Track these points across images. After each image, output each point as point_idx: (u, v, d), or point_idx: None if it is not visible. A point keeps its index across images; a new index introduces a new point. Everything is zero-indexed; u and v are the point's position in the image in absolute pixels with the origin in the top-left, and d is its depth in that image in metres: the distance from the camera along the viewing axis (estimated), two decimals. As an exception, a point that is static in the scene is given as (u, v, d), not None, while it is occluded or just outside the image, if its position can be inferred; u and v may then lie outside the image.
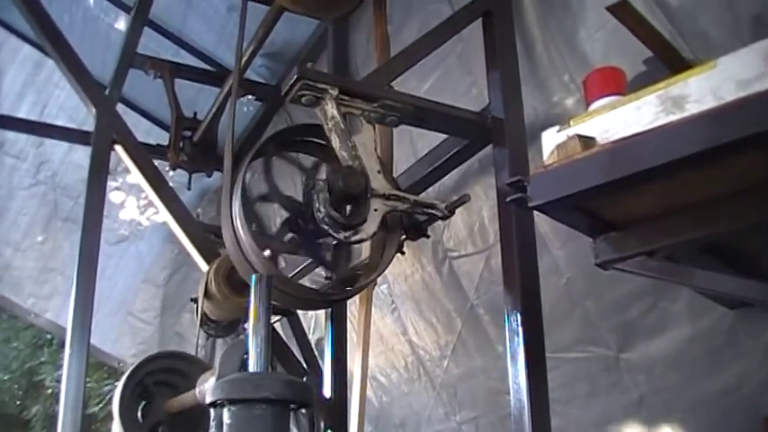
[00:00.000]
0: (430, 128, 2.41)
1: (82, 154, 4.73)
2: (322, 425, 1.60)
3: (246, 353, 1.60)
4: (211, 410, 1.68)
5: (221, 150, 4.24)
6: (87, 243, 3.18)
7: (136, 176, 3.15)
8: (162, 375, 2.35)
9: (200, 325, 2.92)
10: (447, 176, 2.78)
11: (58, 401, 8.62)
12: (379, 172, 2.10)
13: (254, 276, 1.70)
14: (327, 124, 2.08)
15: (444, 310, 3.26)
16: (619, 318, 2.58)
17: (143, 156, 3.13)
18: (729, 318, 2.29)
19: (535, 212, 1.98)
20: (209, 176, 4.34)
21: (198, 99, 4.35)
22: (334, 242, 2.33)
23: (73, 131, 4.45)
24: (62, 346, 8.61)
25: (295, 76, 2.04)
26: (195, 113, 4.05)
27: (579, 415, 2.82)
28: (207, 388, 1.69)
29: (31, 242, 4.85)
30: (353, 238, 2.01)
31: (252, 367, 1.55)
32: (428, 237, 2.38)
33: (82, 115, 4.69)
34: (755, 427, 2.33)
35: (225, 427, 1.49)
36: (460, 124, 2.34)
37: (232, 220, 2.14)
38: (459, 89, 2.83)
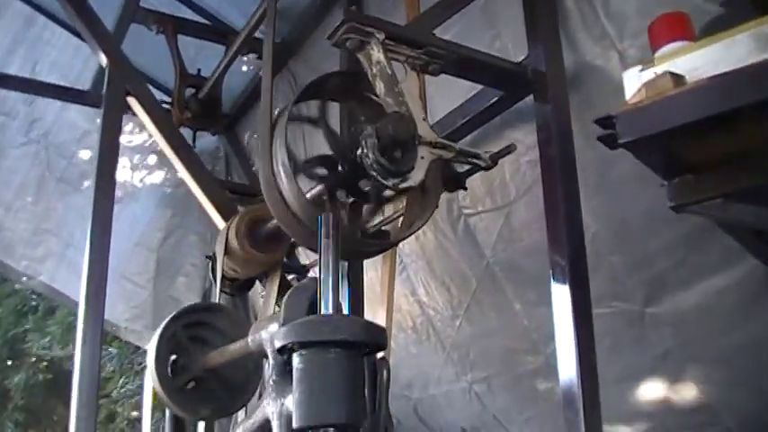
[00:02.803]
0: (469, 78, 2.38)
1: (75, 113, 4.65)
2: (385, 373, 1.55)
3: (315, 296, 1.56)
4: (270, 359, 1.64)
5: (226, 108, 4.18)
6: (101, 206, 3.01)
7: (149, 129, 3.06)
8: (195, 330, 2.29)
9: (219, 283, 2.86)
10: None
11: (41, 370, 8.60)
12: (424, 119, 2.07)
13: (321, 216, 1.66)
14: (372, 69, 2.04)
15: (458, 269, 3.25)
16: (646, 272, 2.60)
17: (158, 108, 3.05)
18: (761, 269, 2.32)
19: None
20: (214, 134, 4.27)
21: (197, 59, 4.26)
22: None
23: (68, 90, 4.37)
24: (49, 312, 8.55)
25: (341, 19, 2.00)
26: (199, 70, 3.96)
27: (601, 371, 2.84)
28: (270, 333, 1.65)
29: (23, 202, 4.73)
30: (402, 186, 1.98)
31: (324, 310, 1.51)
32: (465, 189, 2.37)
33: (74, 73, 4.60)
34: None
35: (296, 373, 1.44)
36: (500, 75, 2.32)
37: (272, 163, 2.07)
38: (481, 42, 2.79)
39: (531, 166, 2.74)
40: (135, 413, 7.72)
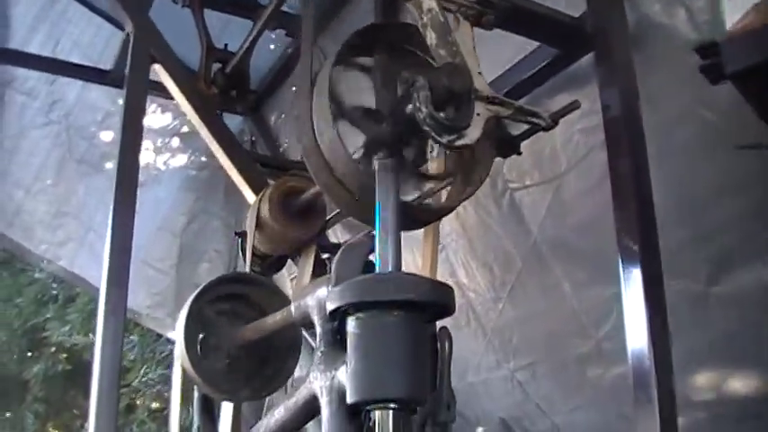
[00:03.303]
0: (524, 33, 2.21)
1: (97, 93, 4.50)
2: (447, 344, 1.36)
3: (371, 253, 1.39)
4: (317, 327, 1.48)
5: (253, 83, 4.01)
6: (124, 186, 2.81)
7: (177, 98, 2.90)
8: (226, 303, 2.11)
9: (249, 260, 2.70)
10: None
11: (60, 361, 8.47)
12: (479, 73, 1.89)
13: (378, 163, 1.49)
14: (422, 18, 1.86)
15: (502, 247, 3.07)
16: (711, 248, 2.41)
17: (185, 75, 2.89)
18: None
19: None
20: (241, 114, 4.10)
21: (222, 36, 4.10)
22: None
23: (90, 69, 4.23)
24: (69, 300, 8.42)
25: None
26: (226, 45, 3.80)
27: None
28: (318, 298, 1.48)
29: (43, 185, 4.58)
30: (458, 143, 1.79)
31: (381, 267, 1.34)
32: (520, 153, 2.18)
33: (96, 53, 4.46)
34: None
35: (350, 340, 1.27)
36: (557, 31, 2.14)
37: (312, 119, 1.89)
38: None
39: (584, 134, 2.56)
40: (156, 404, 7.57)
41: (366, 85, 2.12)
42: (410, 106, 1.78)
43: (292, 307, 1.62)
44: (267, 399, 2.40)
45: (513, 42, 2.46)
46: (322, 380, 1.36)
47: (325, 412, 1.32)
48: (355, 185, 1.79)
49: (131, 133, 2.77)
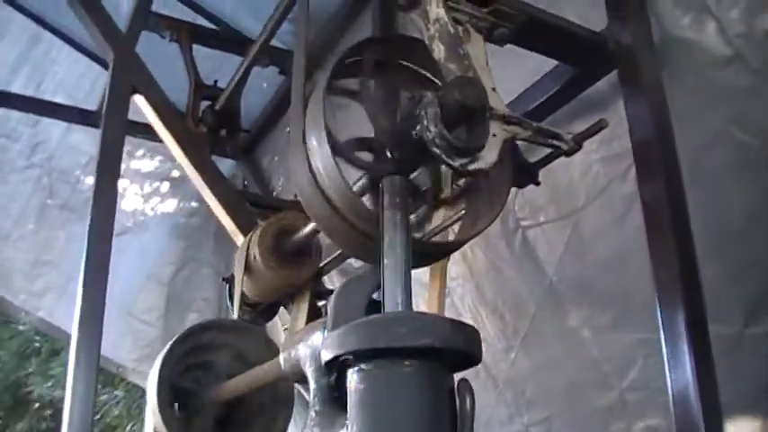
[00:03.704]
0: (540, 49, 2.00)
1: (81, 136, 4.31)
2: (468, 400, 1.10)
3: (374, 291, 1.16)
4: (310, 382, 1.23)
5: (245, 124, 3.80)
6: (97, 230, 2.62)
7: (162, 135, 2.68)
8: (205, 355, 1.86)
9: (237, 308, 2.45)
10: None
11: (45, 417, 8.13)
12: (494, 90, 1.67)
13: (385, 179, 1.26)
14: (429, 30, 1.67)
15: (514, 291, 2.83)
16: (747, 285, 2.18)
17: (169, 106, 2.68)
18: None
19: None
20: (232, 157, 3.90)
21: (211, 75, 3.92)
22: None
23: (73, 109, 4.06)
24: (53, 354, 8.10)
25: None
26: (216, 81, 3.61)
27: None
28: (311, 346, 1.24)
29: (23, 231, 4.36)
30: (472, 167, 1.57)
31: (389, 306, 1.11)
32: (538, 184, 1.96)
33: (82, 94, 4.28)
34: None
35: (353, 398, 1.03)
36: (577, 47, 1.94)
37: (308, 151, 1.67)
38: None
39: (604, 163, 2.35)
40: (143, 464, 7.22)
41: (355, 118, 1.91)
42: (417, 127, 1.57)
43: (281, 357, 1.38)
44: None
45: (524, 65, 2.27)
46: (319, 444, 1.11)
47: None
48: (355, 216, 1.56)
49: (108, 170, 2.57)
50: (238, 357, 1.88)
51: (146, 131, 3.08)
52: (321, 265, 2.44)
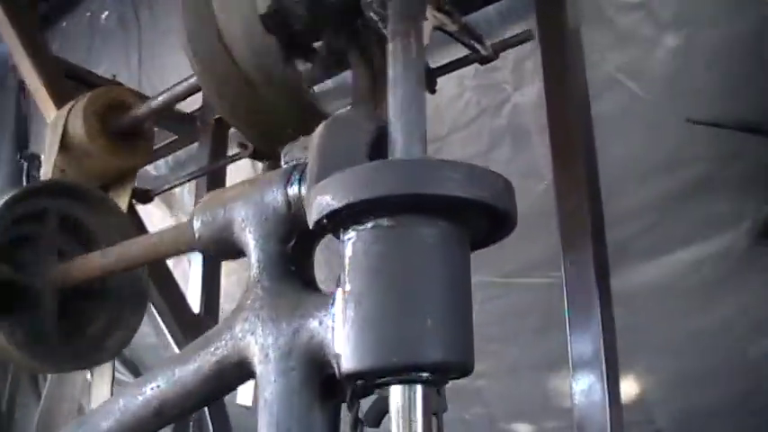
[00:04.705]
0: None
1: None
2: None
3: (381, 129, 0.87)
4: (252, 250, 0.92)
5: None
6: None
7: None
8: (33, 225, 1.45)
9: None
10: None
11: None
12: (428, -28, 1.47)
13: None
14: None
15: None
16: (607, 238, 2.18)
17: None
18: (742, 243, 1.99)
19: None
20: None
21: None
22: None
23: None
24: None
25: None
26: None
27: (518, 356, 2.38)
28: (262, 202, 0.92)
29: None
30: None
31: (399, 152, 0.83)
32: (433, 92, 1.78)
33: None
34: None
35: (360, 265, 0.76)
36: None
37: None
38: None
39: (476, 92, 2.24)
40: None
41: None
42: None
43: (194, 222, 1.02)
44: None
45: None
46: (267, 335, 0.85)
47: (271, 387, 0.81)
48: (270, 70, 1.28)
49: None
50: (82, 232, 1.50)
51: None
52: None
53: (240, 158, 2.07)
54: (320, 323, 0.81)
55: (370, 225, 0.76)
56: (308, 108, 1.31)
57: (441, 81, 1.72)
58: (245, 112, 1.38)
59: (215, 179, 2.59)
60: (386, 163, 0.82)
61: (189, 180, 2.53)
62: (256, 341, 0.86)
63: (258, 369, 0.85)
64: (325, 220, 0.78)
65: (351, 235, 0.78)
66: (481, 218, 0.82)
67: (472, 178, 0.77)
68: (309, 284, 0.94)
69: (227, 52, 1.33)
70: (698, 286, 2.07)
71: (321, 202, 0.77)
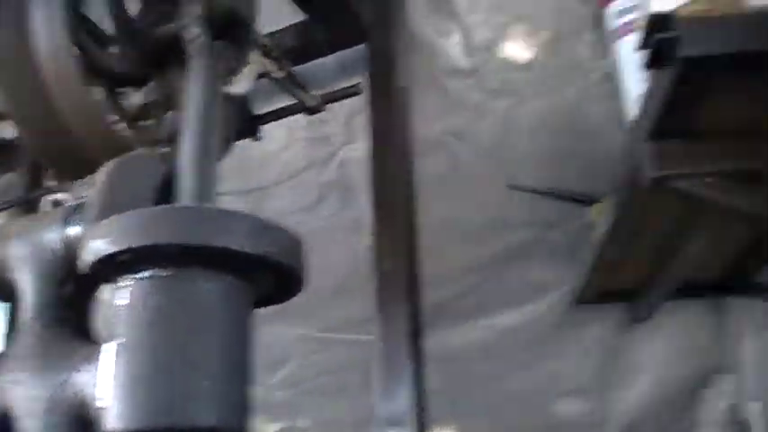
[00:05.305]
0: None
1: None
2: None
3: (170, 174, 0.81)
4: (28, 293, 0.82)
5: None
6: None
7: None
8: None
9: None
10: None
11: None
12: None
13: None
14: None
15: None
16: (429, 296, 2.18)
17: None
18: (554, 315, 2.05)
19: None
20: None
21: None
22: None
23: None
24: None
25: None
26: None
27: (339, 411, 2.31)
28: (31, 245, 0.82)
29: None
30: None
31: (185, 199, 0.78)
32: (257, 139, 1.73)
33: None
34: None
35: (132, 316, 0.70)
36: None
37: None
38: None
39: (308, 145, 2.20)
40: None
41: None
42: (170, 26, 1.26)
43: None
44: None
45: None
46: (33, 387, 0.76)
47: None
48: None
49: None
50: None
51: None
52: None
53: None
54: (90, 377, 0.73)
55: (148, 274, 0.70)
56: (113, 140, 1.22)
57: (270, 129, 1.68)
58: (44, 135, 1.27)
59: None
60: (166, 209, 0.77)
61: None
62: (23, 393, 0.77)
63: (24, 423, 0.76)
64: (99, 266, 0.70)
65: (128, 283, 0.70)
66: (266, 274, 0.76)
67: (257, 232, 0.74)
68: (85, 333, 0.85)
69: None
70: (515, 350, 2.09)
71: (92, 246, 0.70)
